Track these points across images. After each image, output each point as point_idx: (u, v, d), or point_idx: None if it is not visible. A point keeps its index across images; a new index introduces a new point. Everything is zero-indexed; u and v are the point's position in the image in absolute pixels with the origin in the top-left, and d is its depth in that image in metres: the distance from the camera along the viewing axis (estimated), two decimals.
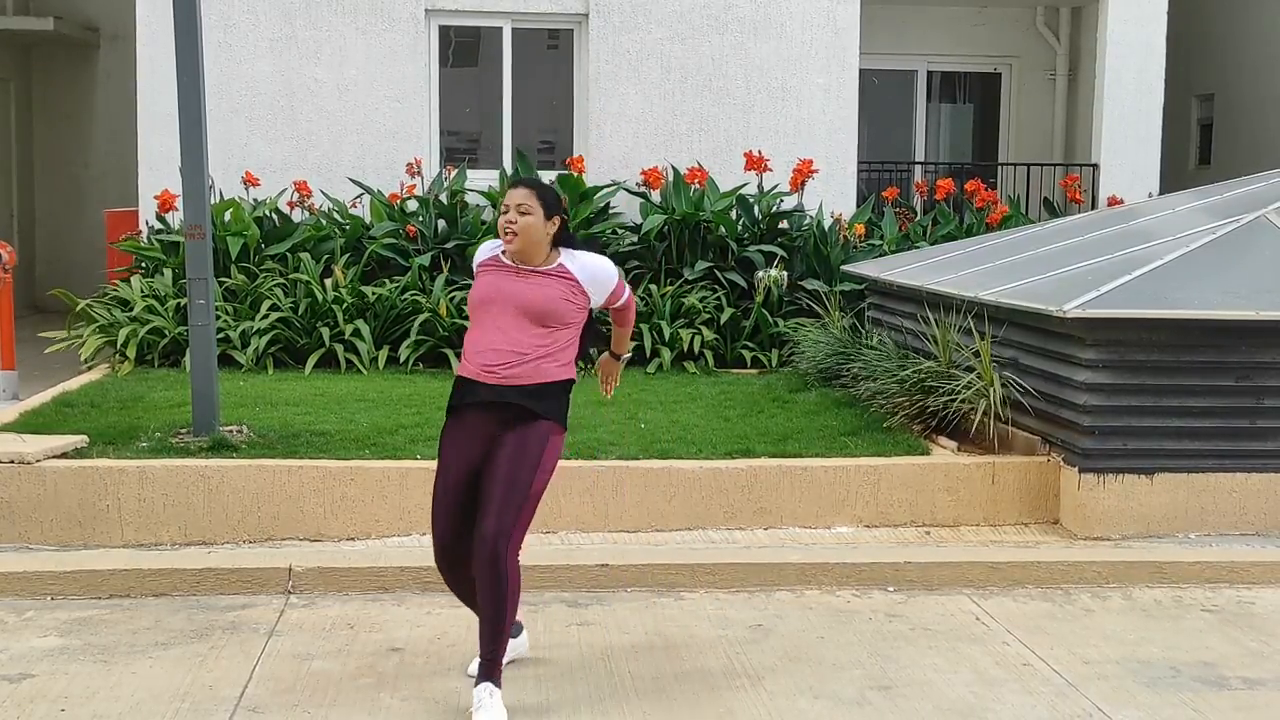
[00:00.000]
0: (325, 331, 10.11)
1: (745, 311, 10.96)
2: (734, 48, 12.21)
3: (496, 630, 4.68)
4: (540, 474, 4.77)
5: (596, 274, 4.95)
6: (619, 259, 11.30)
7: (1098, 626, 5.87)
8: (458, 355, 10.02)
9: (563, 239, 4.96)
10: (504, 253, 4.91)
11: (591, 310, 5.01)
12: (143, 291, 10.50)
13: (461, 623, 5.70)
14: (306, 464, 6.98)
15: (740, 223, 11.40)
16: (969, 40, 14.14)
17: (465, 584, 4.86)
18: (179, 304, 10.08)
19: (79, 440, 7.21)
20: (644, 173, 11.60)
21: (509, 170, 11.88)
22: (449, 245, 11.11)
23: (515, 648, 5.20)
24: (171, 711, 4.78)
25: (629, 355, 5.48)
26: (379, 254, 11.00)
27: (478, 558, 4.65)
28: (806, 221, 11.62)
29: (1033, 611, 6.05)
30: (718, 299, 10.93)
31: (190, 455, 7.12)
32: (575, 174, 11.46)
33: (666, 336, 10.41)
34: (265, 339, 10.00)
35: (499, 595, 4.65)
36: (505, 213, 4.85)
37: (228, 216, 11.02)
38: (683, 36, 12.14)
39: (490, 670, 4.71)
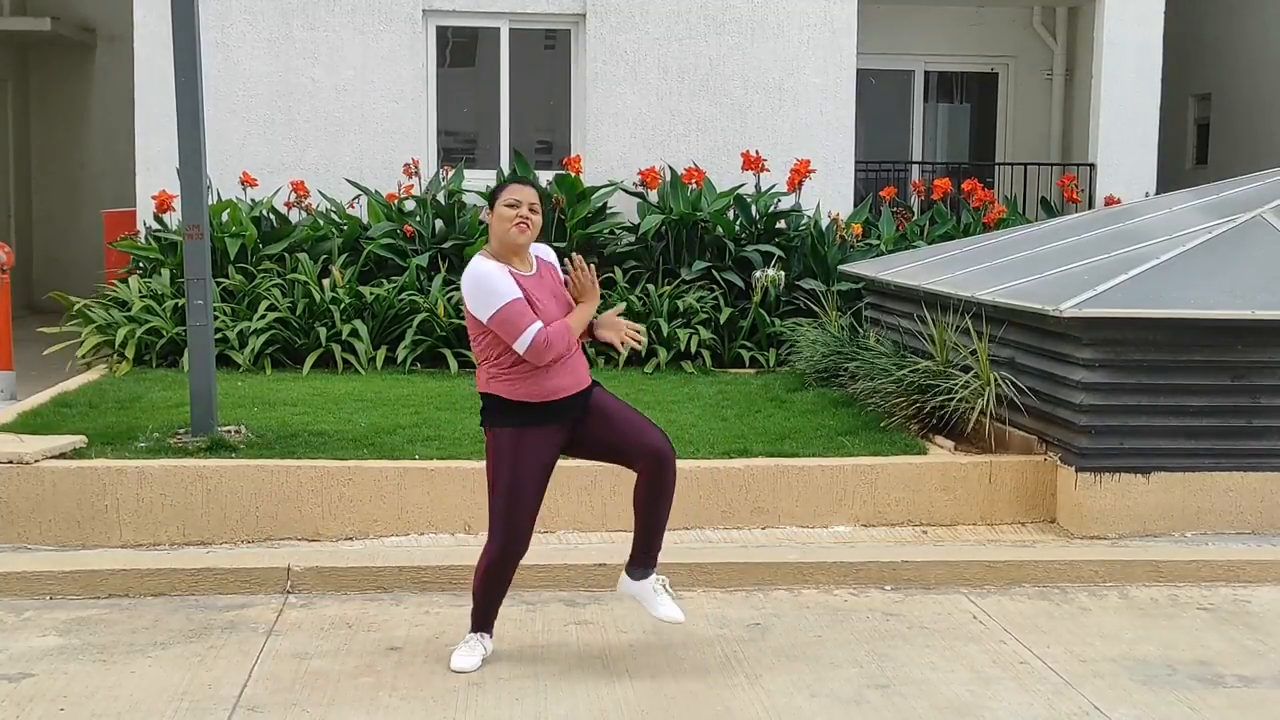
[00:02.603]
0: (323, 332, 10.11)
1: (743, 311, 10.97)
2: (731, 48, 12.22)
3: (663, 529, 5.29)
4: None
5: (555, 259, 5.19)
6: (617, 259, 11.33)
7: (1094, 625, 5.88)
8: (455, 355, 10.17)
9: None
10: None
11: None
12: (140, 292, 10.50)
13: (460, 622, 5.71)
14: (304, 464, 6.99)
15: (738, 223, 11.41)
16: (966, 40, 14.15)
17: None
18: (177, 304, 10.08)
19: (77, 440, 7.22)
20: (641, 173, 11.61)
21: (506, 170, 11.89)
22: (446, 245, 11.12)
23: (488, 646, 5.29)
24: (171, 710, 4.79)
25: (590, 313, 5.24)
26: (376, 254, 11.01)
27: (664, 465, 5.10)
28: (804, 221, 11.63)
29: (1029, 610, 6.07)
30: (715, 299, 10.94)
31: (188, 455, 7.13)
32: (573, 174, 11.47)
33: (664, 336, 10.42)
34: (263, 339, 10.01)
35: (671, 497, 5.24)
36: (517, 207, 5.01)
37: (225, 217, 11.03)
38: (680, 37, 12.15)
39: (654, 563, 5.31)
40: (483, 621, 5.28)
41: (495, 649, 5.33)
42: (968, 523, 7.26)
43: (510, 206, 5.02)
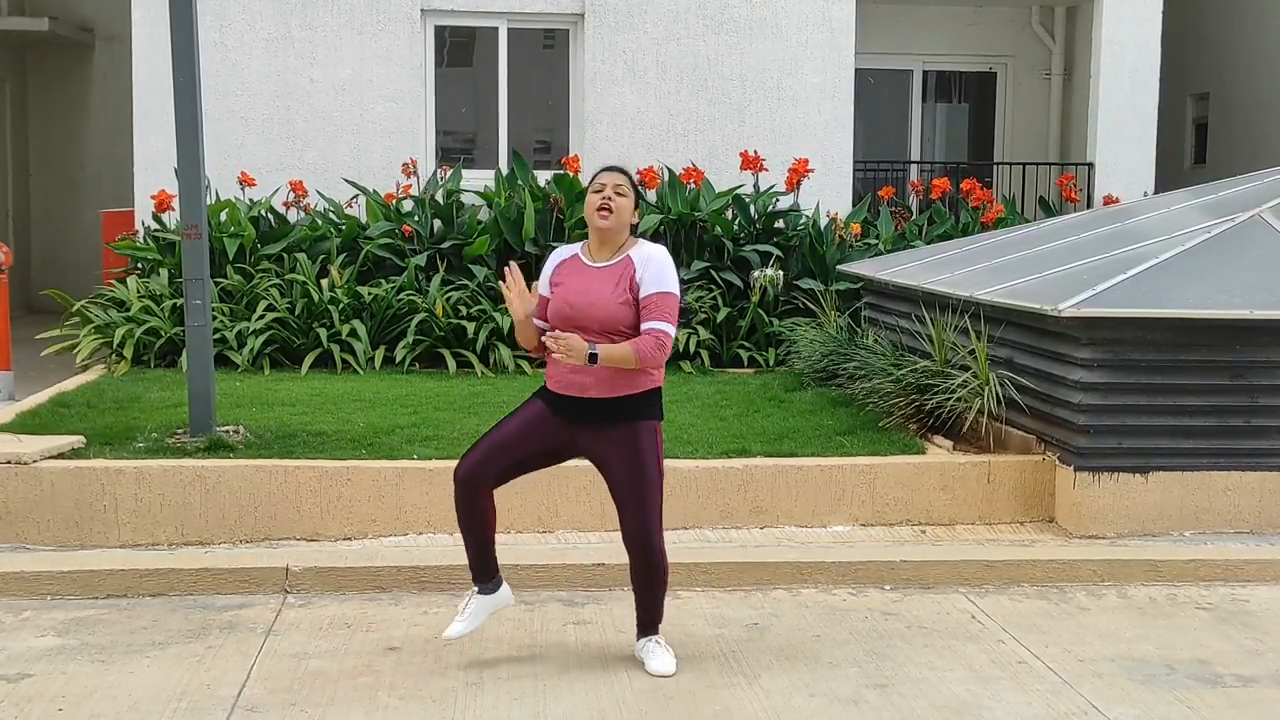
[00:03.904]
0: (321, 332, 10.11)
1: (741, 311, 10.97)
2: (730, 47, 12.23)
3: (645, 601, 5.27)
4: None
5: (655, 262, 5.05)
6: None
7: (1093, 624, 5.89)
8: (454, 355, 10.17)
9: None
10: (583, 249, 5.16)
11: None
12: (139, 292, 10.50)
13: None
14: (303, 464, 6.99)
15: (736, 222, 11.41)
16: (964, 40, 14.16)
17: (477, 514, 5.14)
18: (175, 304, 10.08)
19: (76, 441, 7.21)
20: (640, 172, 11.59)
21: (505, 170, 11.89)
22: (445, 245, 11.12)
23: (501, 599, 5.32)
24: (169, 711, 4.79)
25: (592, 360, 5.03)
26: (375, 254, 11.01)
27: (633, 551, 5.15)
28: (802, 221, 11.64)
29: (1028, 609, 6.07)
30: (714, 299, 10.94)
31: (187, 455, 7.12)
32: (571, 174, 11.47)
33: None
34: (261, 339, 10.00)
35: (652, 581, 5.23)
36: (601, 191, 5.05)
37: (224, 217, 11.03)
38: (679, 36, 12.16)
39: (651, 629, 5.26)
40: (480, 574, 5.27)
41: (494, 650, 5.34)
42: (966, 522, 7.26)
43: (595, 192, 5.07)
